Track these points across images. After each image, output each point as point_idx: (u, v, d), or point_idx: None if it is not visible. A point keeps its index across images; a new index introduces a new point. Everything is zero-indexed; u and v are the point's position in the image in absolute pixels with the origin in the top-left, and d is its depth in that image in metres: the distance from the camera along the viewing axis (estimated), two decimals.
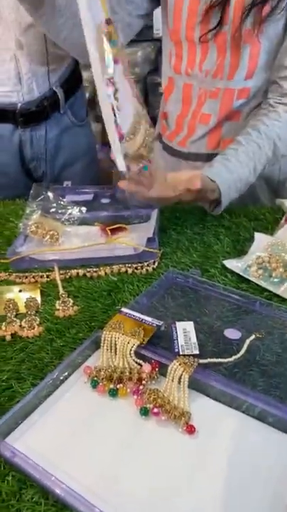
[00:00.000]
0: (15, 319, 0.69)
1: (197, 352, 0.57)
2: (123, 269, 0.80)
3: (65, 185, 1.10)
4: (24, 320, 0.68)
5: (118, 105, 0.63)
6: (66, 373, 0.58)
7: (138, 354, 0.58)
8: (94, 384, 0.55)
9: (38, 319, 0.69)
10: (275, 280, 0.74)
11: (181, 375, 0.54)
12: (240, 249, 0.84)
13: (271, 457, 0.48)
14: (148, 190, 0.79)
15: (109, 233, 0.87)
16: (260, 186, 1.04)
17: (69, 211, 0.91)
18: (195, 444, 0.49)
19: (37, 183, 0.98)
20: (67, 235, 0.88)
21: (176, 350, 0.58)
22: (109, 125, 0.64)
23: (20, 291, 0.76)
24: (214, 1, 0.85)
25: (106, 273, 0.79)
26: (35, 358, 0.62)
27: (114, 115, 0.63)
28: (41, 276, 0.79)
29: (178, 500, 0.44)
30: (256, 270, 0.76)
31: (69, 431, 0.51)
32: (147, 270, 0.80)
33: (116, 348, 0.59)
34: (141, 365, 0.57)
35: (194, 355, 0.57)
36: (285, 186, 1.07)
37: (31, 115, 1.10)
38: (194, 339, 0.60)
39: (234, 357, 0.58)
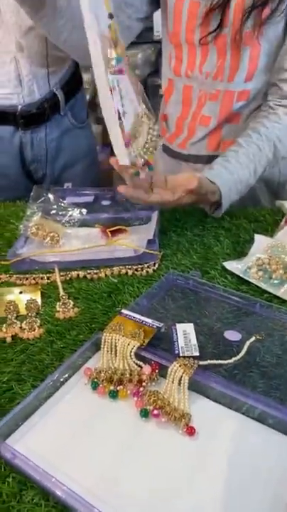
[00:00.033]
0: (15, 321, 0.69)
1: (197, 354, 0.57)
2: (123, 271, 0.80)
3: (66, 187, 1.10)
4: (25, 322, 0.68)
5: (124, 110, 0.63)
6: (66, 375, 0.58)
7: (138, 356, 0.58)
8: (95, 386, 0.55)
9: (39, 321, 0.69)
10: (275, 282, 0.74)
11: (181, 376, 0.54)
12: (240, 251, 0.85)
13: (271, 459, 0.48)
14: (147, 194, 0.79)
15: (110, 235, 0.88)
16: (260, 188, 1.04)
17: (70, 213, 0.92)
18: (195, 445, 0.49)
19: (37, 185, 0.98)
20: (67, 236, 0.88)
21: (176, 351, 0.58)
22: (111, 128, 0.64)
23: (20, 292, 0.76)
24: (214, 3, 0.85)
25: (106, 275, 0.79)
26: (35, 360, 0.62)
27: (119, 118, 0.63)
28: (42, 278, 0.79)
29: (178, 501, 0.44)
30: (256, 272, 0.76)
31: (69, 432, 0.51)
32: (147, 272, 0.80)
33: (116, 350, 0.59)
34: (141, 367, 0.57)
35: (194, 357, 0.57)
36: (285, 188, 1.07)
37: (32, 117, 1.10)
38: (194, 341, 0.60)
39: (234, 358, 0.58)
